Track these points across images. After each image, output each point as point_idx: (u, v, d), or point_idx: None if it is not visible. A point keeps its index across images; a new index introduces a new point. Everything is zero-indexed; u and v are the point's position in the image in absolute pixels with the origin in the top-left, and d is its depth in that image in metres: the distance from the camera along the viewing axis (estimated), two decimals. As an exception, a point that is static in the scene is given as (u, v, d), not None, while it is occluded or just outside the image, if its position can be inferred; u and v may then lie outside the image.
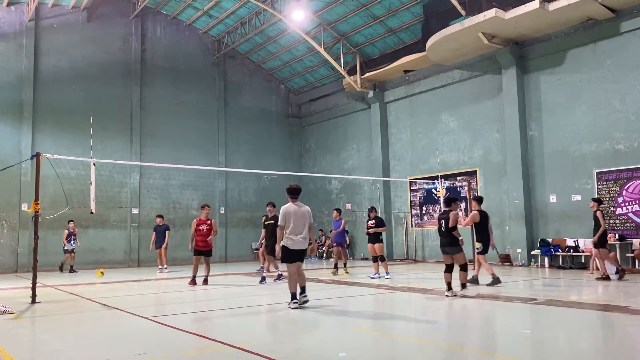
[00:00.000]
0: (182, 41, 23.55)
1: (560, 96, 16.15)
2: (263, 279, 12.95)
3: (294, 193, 8.67)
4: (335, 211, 15.30)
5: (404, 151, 21.29)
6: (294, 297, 8.41)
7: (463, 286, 9.68)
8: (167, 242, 17.41)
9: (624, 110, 14.77)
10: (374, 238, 13.53)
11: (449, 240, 9.65)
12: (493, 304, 8.69)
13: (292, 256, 8.45)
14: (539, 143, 16.65)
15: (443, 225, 9.73)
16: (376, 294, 10.58)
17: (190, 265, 13.44)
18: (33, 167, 12.33)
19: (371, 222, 13.73)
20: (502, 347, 5.97)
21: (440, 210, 10.11)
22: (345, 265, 15.12)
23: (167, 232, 17.41)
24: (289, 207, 8.54)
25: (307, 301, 8.50)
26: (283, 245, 8.48)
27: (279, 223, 8.54)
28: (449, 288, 9.47)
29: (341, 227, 14.85)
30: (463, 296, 9.35)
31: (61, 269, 17.90)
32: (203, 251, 12.62)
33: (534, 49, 16.80)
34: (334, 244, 15.51)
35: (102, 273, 16.44)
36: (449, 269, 9.66)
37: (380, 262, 13.52)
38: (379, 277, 13.26)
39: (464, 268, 9.69)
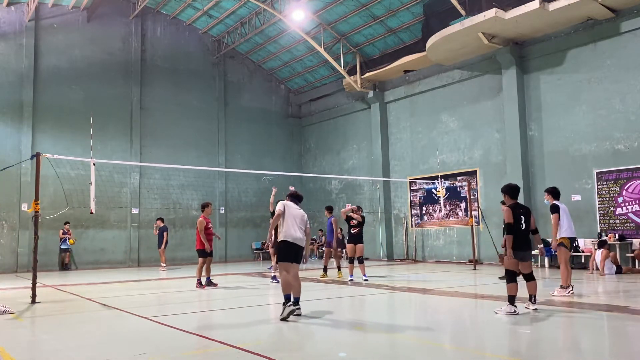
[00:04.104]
0: (182, 41, 23.55)
1: (560, 96, 16.15)
2: (274, 278, 12.90)
3: (295, 198, 8.21)
4: (325, 210, 14.61)
5: (404, 151, 21.29)
6: (287, 299, 7.54)
7: (534, 298, 7.88)
8: (164, 244, 18.35)
9: (624, 110, 14.77)
10: (357, 238, 13.00)
11: (529, 242, 8.00)
12: (493, 304, 8.67)
13: (290, 252, 7.73)
14: (539, 143, 16.65)
15: (523, 222, 7.85)
16: (377, 294, 10.57)
17: (191, 266, 13.40)
18: (33, 167, 12.30)
19: (355, 220, 13.12)
20: (501, 346, 5.97)
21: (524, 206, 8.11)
22: (339, 268, 14.33)
23: (164, 233, 18.12)
24: (287, 202, 8.06)
25: (299, 315, 7.60)
26: (282, 240, 7.76)
27: (276, 211, 7.92)
28: (513, 303, 7.51)
29: (334, 226, 14.16)
30: (536, 310, 7.72)
31: (61, 266, 19.45)
32: (210, 252, 12.28)
33: (534, 49, 16.80)
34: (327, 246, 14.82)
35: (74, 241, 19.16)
36: (515, 278, 7.69)
37: (358, 264, 12.98)
38: (353, 279, 12.77)
39: (533, 276, 7.92)
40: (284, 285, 7.66)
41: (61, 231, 19.11)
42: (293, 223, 7.81)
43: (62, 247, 19.13)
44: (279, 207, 7.94)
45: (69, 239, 19.04)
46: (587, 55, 15.60)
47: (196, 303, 10.12)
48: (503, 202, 12.91)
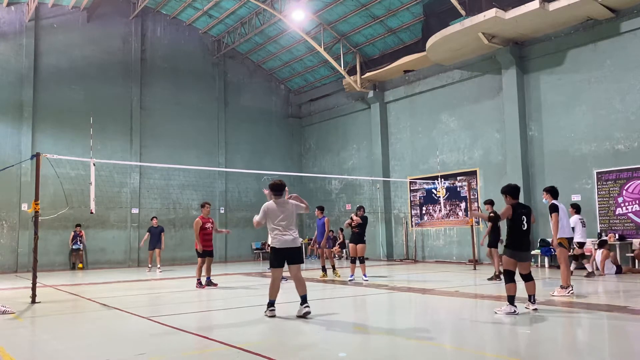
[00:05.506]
0: (182, 41, 23.55)
1: (560, 96, 16.15)
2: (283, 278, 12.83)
3: (276, 190, 7.87)
4: (317, 209, 14.40)
5: (404, 151, 21.29)
6: (271, 304, 7.67)
7: (533, 298, 7.88)
8: (163, 244, 18.16)
9: (624, 110, 14.77)
10: (357, 238, 12.93)
11: (529, 243, 7.92)
12: (493, 304, 8.68)
13: (280, 258, 7.70)
14: (539, 143, 16.64)
15: (525, 222, 7.77)
16: (377, 294, 10.57)
17: (191, 266, 13.38)
18: (33, 167, 12.32)
19: (354, 221, 12.99)
20: (501, 346, 5.97)
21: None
22: (333, 267, 14.37)
23: (162, 233, 17.96)
24: (270, 204, 7.81)
25: (308, 312, 7.51)
26: (271, 247, 7.75)
27: (257, 218, 7.79)
28: (513, 303, 7.49)
29: (326, 226, 13.90)
30: (536, 310, 7.71)
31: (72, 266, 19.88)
32: (209, 252, 12.25)
33: (534, 49, 16.79)
34: (317, 246, 14.71)
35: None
36: (513, 278, 7.66)
37: (359, 264, 12.86)
38: (354, 279, 12.71)
39: (531, 276, 7.90)
40: (271, 290, 7.73)
41: (72, 233, 19.46)
42: (279, 227, 7.67)
43: (74, 247, 19.46)
44: (260, 215, 7.77)
45: (80, 240, 19.49)
46: (587, 55, 15.59)
47: (196, 303, 10.12)
48: (487, 202, 13.02)
